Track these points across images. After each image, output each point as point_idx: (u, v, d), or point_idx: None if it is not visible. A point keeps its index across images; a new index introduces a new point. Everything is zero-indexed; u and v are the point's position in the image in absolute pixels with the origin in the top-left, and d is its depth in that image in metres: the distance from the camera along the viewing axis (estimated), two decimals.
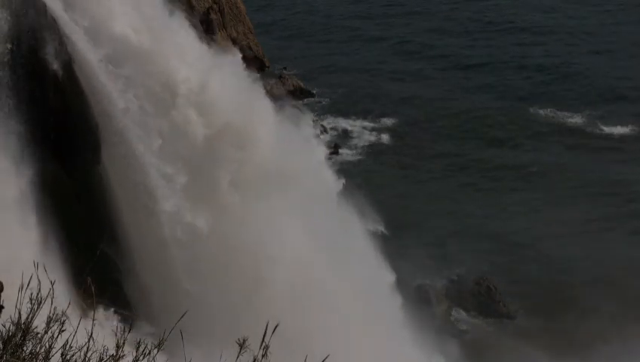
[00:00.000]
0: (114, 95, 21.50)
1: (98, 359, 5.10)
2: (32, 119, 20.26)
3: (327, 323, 23.41)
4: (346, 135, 49.38)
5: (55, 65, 20.87)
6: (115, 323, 19.84)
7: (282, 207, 24.09)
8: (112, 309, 20.68)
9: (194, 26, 25.84)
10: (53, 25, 20.65)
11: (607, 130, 49.07)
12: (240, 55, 27.97)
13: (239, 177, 23.63)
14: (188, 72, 23.16)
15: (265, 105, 26.08)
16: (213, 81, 23.91)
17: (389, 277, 28.85)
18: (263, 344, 4.88)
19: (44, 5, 20.63)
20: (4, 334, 5.03)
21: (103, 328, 5.20)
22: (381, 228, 32.94)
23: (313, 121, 31.91)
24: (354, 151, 47.50)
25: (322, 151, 29.93)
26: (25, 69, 20.27)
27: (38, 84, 20.70)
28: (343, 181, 28.11)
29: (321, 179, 27.19)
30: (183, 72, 23.04)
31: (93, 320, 5.20)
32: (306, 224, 24.85)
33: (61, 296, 5.57)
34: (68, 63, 21.11)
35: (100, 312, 20.02)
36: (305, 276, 23.91)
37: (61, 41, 20.81)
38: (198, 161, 23.00)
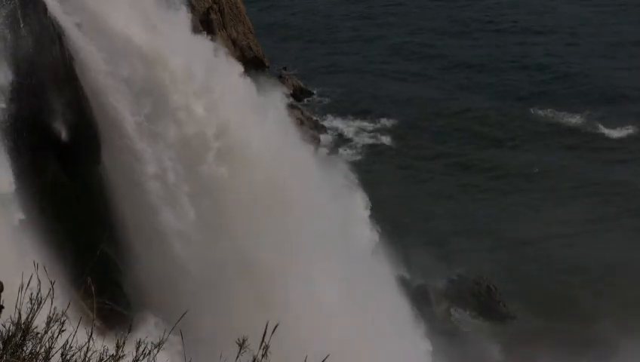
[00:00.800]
0: (146, 158, 20.11)
1: (98, 359, 5.10)
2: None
3: None
4: (346, 135, 49.38)
5: (63, 133, 19.42)
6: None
7: (318, 262, 23.02)
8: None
9: (194, 26, 24.87)
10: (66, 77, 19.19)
11: (607, 130, 49.04)
12: (287, 91, 26.81)
13: (276, 238, 22.21)
14: (227, 121, 21.54)
15: (305, 158, 24.83)
16: (255, 135, 22.18)
17: (424, 345, 28.03)
18: (263, 344, 4.88)
19: (64, 59, 19.02)
20: (4, 334, 5.03)
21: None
22: (408, 275, 32.66)
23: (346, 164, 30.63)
24: (354, 151, 47.50)
25: (363, 205, 28.76)
26: (26, 129, 18.58)
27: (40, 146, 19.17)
28: (377, 234, 27.71)
29: (358, 234, 26.43)
30: (221, 120, 21.45)
31: (93, 320, 5.20)
32: (339, 276, 23.69)
33: (61, 296, 5.57)
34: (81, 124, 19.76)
35: (152, 323, 19.20)
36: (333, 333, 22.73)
37: (77, 94, 19.38)
38: (230, 223, 21.67)
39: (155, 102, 20.26)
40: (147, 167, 20.29)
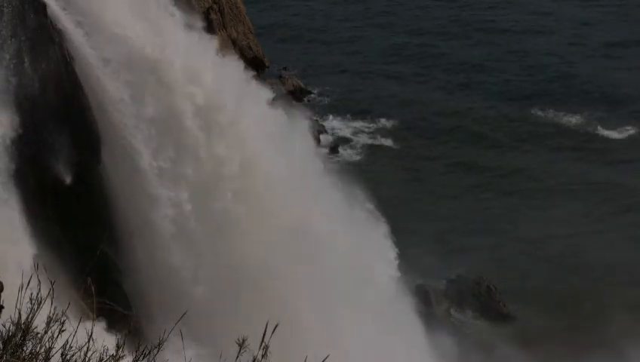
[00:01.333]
0: (163, 200, 19.44)
1: (98, 359, 5.10)
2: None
3: None
4: (346, 135, 49.38)
5: (68, 178, 19.12)
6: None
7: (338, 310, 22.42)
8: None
9: (192, 26, 24.12)
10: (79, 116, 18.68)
11: (607, 130, 49.03)
12: (308, 120, 25.64)
13: (303, 286, 21.37)
14: (252, 156, 20.52)
15: (329, 193, 23.84)
16: (279, 170, 21.17)
17: None
18: (263, 344, 4.87)
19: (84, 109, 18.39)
20: (4, 334, 5.03)
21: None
22: (408, 275, 32.46)
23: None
24: (354, 151, 47.52)
25: (389, 245, 27.97)
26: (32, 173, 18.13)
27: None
28: (399, 275, 27.46)
29: (383, 278, 25.96)
30: (245, 156, 20.52)
31: (93, 320, 5.20)
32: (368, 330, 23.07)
33: (61, 296, 5.58)
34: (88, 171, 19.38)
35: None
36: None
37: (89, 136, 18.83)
38: (246, 264, 20.71)
39: (176, 140, 19.56)
40: (163, 210, 19.73)
